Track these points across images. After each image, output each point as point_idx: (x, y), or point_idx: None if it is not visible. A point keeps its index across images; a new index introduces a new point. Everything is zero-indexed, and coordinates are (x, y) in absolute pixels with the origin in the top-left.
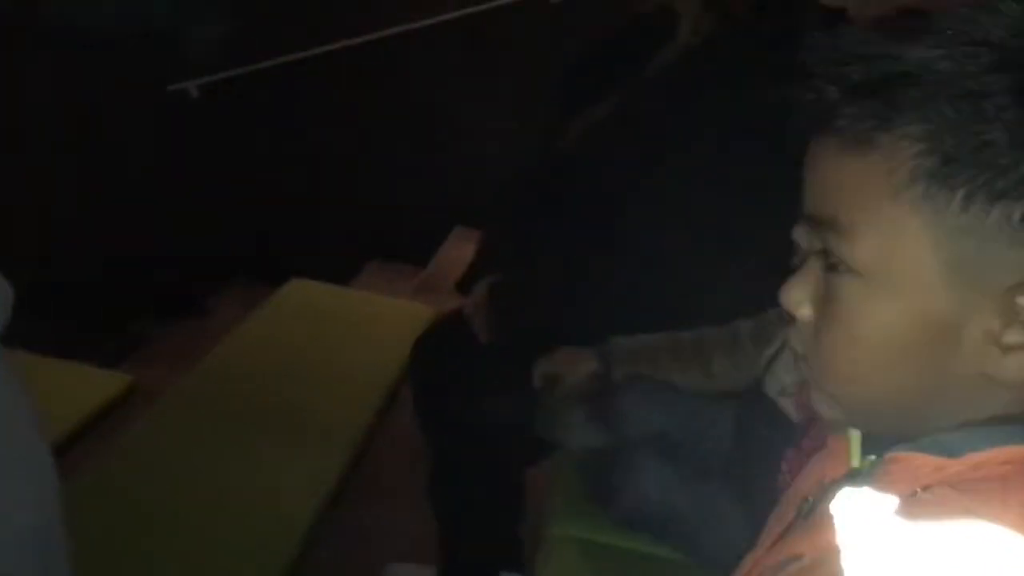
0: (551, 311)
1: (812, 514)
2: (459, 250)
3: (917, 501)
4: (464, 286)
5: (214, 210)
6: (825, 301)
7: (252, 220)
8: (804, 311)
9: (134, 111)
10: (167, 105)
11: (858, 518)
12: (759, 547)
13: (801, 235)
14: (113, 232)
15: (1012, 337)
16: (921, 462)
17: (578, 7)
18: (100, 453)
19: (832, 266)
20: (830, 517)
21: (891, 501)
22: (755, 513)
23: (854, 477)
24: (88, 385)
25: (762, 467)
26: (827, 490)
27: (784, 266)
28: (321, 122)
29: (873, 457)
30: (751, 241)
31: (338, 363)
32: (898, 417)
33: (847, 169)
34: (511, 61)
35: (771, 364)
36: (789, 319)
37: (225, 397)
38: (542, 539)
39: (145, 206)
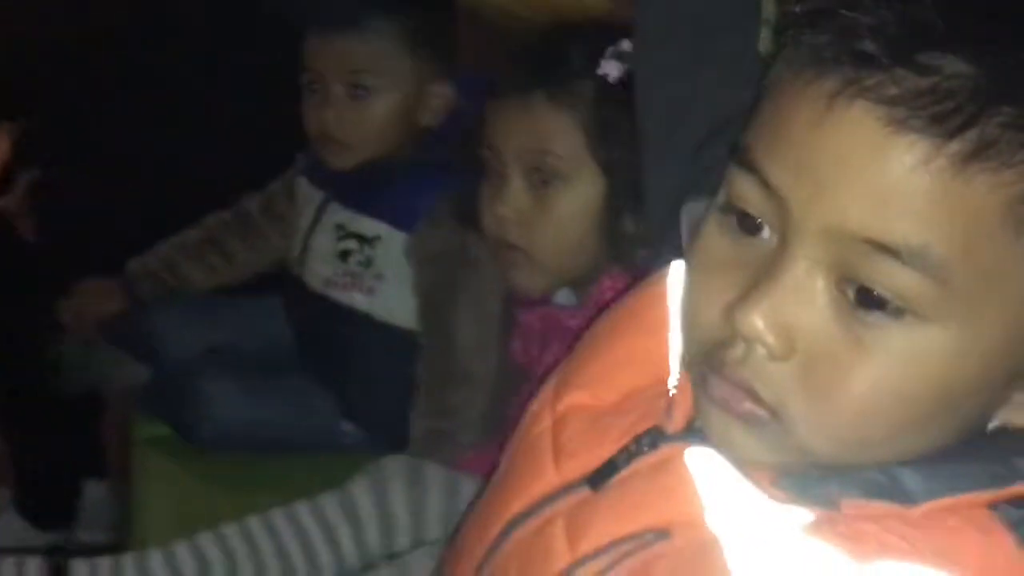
0: (97, 208)
1: (642, 469)
2: None
3: (856, 533)
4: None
5: None
6: (839, 342)
7: None
8: (775, 343)
9: None
10: None
11: (754, 524)
12: (504, 482)
13: (810, 250)
14: None
15: None
16: (881, 511)
17: None
18: None
19: (871, 302)
20: (690, 482)
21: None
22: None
23: (696, 434)
24: None
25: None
26: (662, 440)
27: None
28: None
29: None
30: None
31: None
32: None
33: (948, 189)
34: None
35: (304, 258)
36: (742, 340)
37: None
38: (130, 442)
39: None
